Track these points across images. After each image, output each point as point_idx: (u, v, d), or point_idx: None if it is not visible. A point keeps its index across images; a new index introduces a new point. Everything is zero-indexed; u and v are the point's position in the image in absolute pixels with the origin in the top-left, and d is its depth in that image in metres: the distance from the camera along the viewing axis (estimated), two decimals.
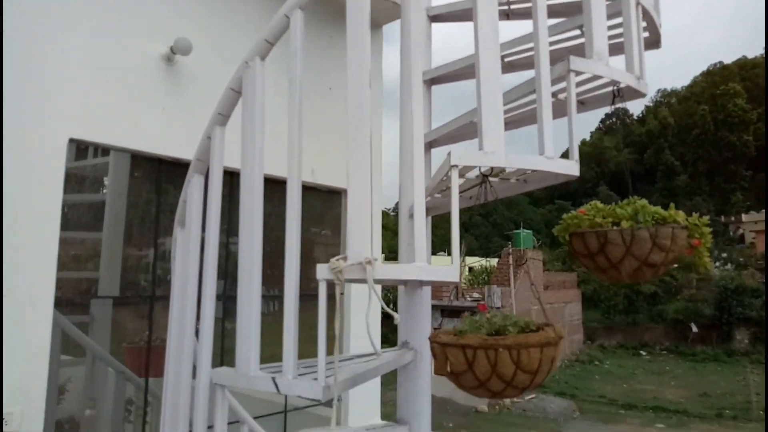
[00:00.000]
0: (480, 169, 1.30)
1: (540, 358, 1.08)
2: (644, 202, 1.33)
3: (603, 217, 1.30)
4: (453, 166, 1.20)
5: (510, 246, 24.91)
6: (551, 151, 1.26)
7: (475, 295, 23.95)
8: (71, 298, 2.96)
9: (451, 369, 1.13)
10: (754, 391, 19.26)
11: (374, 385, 3.36)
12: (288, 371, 1.26)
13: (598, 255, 1.29)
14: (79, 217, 3.54)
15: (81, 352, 3.20)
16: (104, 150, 3.54)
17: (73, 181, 3.31)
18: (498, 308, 21.63)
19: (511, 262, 23.08)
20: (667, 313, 27.80)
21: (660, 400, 19.47)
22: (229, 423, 2.07)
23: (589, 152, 51.48)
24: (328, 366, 1.28)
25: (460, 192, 1.66)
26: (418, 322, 1.98)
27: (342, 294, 1.24)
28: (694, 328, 26.40)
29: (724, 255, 33.83)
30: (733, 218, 46.17)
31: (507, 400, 20.34)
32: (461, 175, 1.42)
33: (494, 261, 28.00)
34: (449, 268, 1.20)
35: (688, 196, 44.96)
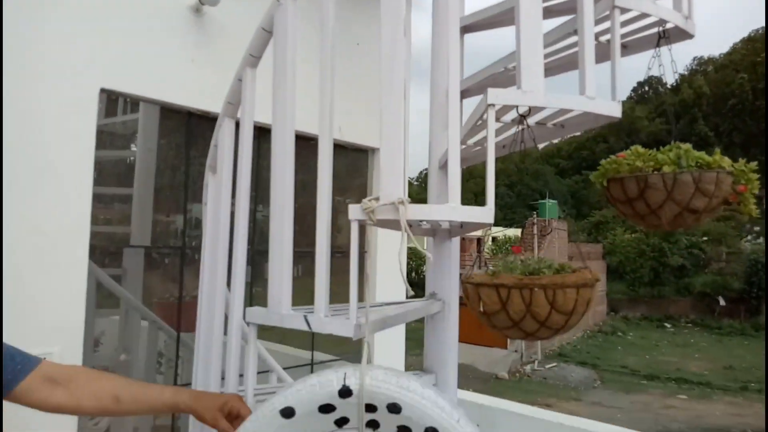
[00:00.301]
0: (517, 110, 1.26)
1: (576, 298, 1.07)
2: (688, 146, 1.28)
3: (643, 161, 1.26)
4: (489, 105, 1.17)
5: (535, 216, 24.69)
6: (593, 91, 1.21)
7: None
8: (104, 248, 3.03)
9: (484, 309, 1.12)
10: None
11: (399, 344, 3.40)
12: (320, 310, 1.27)
13: (637, 200, 1.26)
14: (110, 172, 3.60)
15: (114, 303, 3.30)
16: (133, 106, 3.57)
17: (103, 137, 3.35)
18: None
19: (535, 231, 22.94)
20: (694, 286, 27.38)
21: (683, 372, 19.39)
22: (259, 372, 2.12)
23: (619, 123, 50.12)
24: (358, 308, 1.29)
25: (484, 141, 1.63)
26: (446, 275, 1.97)
27: (371, 225, 1.23)
28: (722, 302, 25.98)
29: (756, 229, 32.92)
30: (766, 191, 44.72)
31: (528, 368, 20.51)
32: (497, 119, 1.39)
33: (518, 232, 27.81)
34: (484, 209, 1.18)
35: None
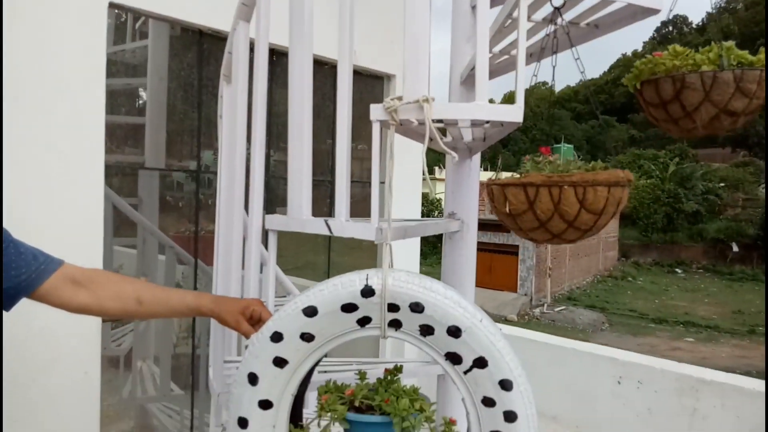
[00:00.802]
0: (551, 2, 1.18)
1: (606, 197, 1.03)
2: (731, 43, 1.20)
3: (681, 61, 1.18)
4: None
5: None
6: None
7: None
8: (119, 173, 3.02)
9: (510, 209, 1.09)
10: None
11: (414, 266, 3.42)
12: (341, 213, 1.25)
13: (671, 103, 1.19)
14: (122, 102, 3.55)
15: (131, 231, 3.32)
16: (142, 35, 3.48)
17: (114, 66, 3.29)
18: None
19: None
20: (707, 232, 27.22)
21: (691, 316, 19.60)
22: (276, 297, 2.14)
23: (640, 65, 48.18)
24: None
25: (512, 48, 1.55)
26: (465, 194, 1.94)
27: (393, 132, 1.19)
28: (735, 248, 25.86)
29: None
30: None
31: (536, 311, 20.84)
32: (528, 18, 1.31)
33: None
34: (512, 107, 1.13)
35: None
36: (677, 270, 26.92)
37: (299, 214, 1.29)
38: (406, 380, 1.25)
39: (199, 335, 3.28)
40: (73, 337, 2.18)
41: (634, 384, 2.49)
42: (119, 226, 3.29)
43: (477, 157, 1.91)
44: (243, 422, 1.14)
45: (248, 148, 1.53)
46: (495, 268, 21.69)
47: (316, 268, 3.93)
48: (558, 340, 2.82)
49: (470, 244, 1.94)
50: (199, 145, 2.77)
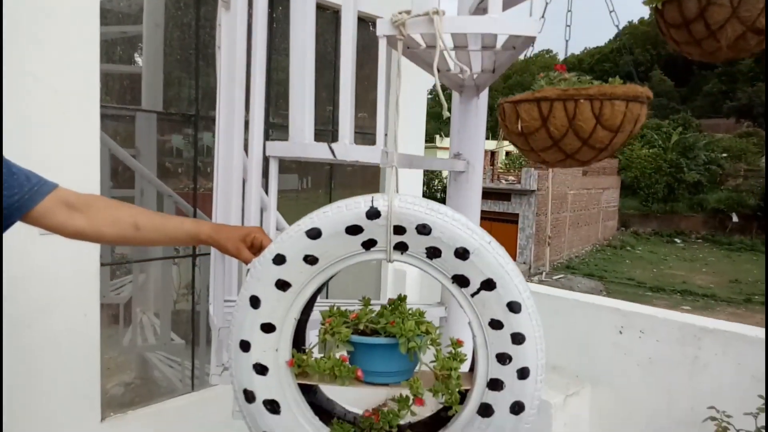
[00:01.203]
0: None
1: (624, 113, 0.98)
2: None
3: None
4: None
5: None
6: None
7: (510, 178, 23.77)
8: (116, 119, 2.95)
9: (522, 127, 1.04)
10: None
11: None
12: (345, 136, 1.20)
13: (695, 22, 1.13)
14: (116, 50, 3.46)
15: (129, 182, 3.27)
16: None
17: (108, 15, 3.17)
18: (533, 191, 21.50)
19: None
20: (708, 202, 27.19)
21: (689, 285, 19.73)
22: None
23: (645, 32, 47.37)
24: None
25: None
26: (472, 135, 1.89)
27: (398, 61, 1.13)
28: (735, 218, 25.87)
29: None
30: None
31: (535, 279, 20.96)
32: None
33: None
34: (529, 20, 1.07)
35: (749, 81, 41.74)
36: (676, 240, 26.99)
37: (301, 138, 1.24)
38: None
39: (199, 291, 3.27)
40: (71, 279, 2.16)
41: (636, 334, 2.48)
42: (118, 175, 3.24)
43: (484, 96, 1.86)
44: (245, 345, 1.12)
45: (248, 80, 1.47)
46: (494, 236, 21.52)
47: None
48: (560, 292, 2.81)
49: (475, 186, 1.90)
50: (197, 88, 2.69)
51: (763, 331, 2.22)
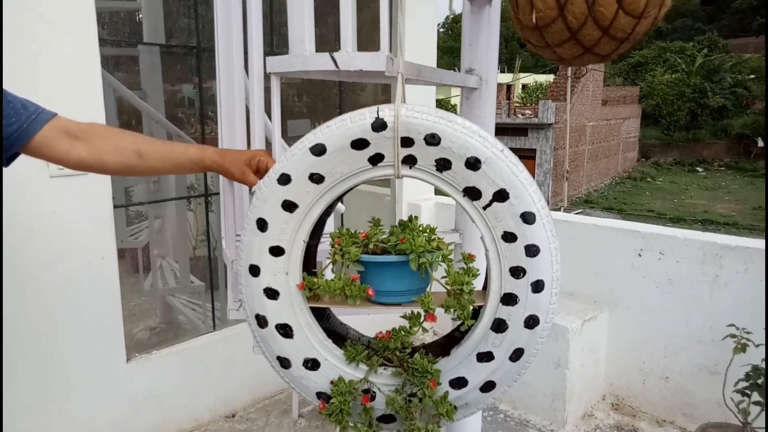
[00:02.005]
0: None
1: None
2: None
3: None
4: None
5: None
6: None
7: (527, 112, 23.18)
8: (117, 55, 2.88)
9: (537, 19, 0.96)
10: None
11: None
12: (347, 43, 1.13)
13: None
14: None
15: (135, 122, 3.22)
16: None
17: None
18: (551, 124, 21.01)
19: (569, 74, 21.75)
20: (732, 128, 26.34)
21: (710, 214, 19.48)
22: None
23: None
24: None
25: None
26: (485, 49, 1.78)
27: None
28: (760, 143, 25.09)
29: None
30: None
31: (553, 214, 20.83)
32: None
33: (550, 78, 26.43)
34: None
35: None
36: (698, 168, 26.41)
37: (301, 50, 1.17)
38: None
39: (215, 234, 3.29)
40: (86, 222, 2.16)
41: (656, 255, 2.43)
42: (125, 117, 3.19)
43: (497, 4, 1.74)
44: (254, 270, 1.10)
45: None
46: None
47: None
48: (577, 218, 2.76)
49: (489, 104, 1.82)
50: (197, 17, 2.58)
51: None
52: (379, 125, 1.02)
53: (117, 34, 2.86)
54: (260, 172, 1.23)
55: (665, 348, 2.49)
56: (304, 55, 1.17)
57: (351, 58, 1.11)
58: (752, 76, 28.27)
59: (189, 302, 3.51)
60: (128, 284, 3.80)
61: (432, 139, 1.01)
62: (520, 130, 21.63)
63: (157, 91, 3.02)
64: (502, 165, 1.01)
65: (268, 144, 1.57)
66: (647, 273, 2.47)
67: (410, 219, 1.23)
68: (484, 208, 1.04)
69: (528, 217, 1.02)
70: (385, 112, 1.03)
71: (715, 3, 44.33)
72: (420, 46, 3.31)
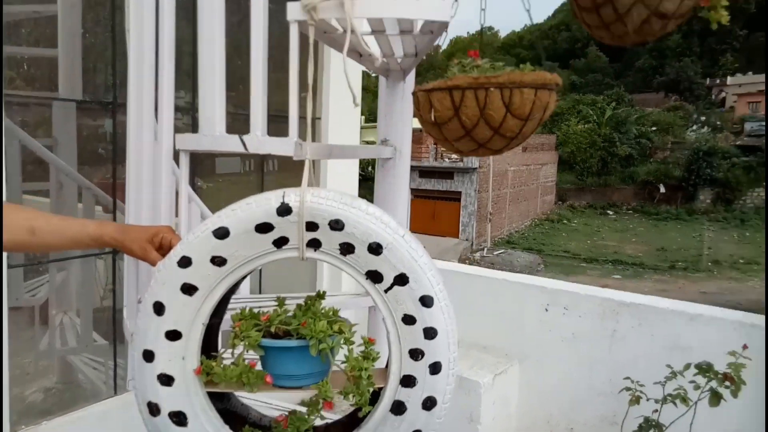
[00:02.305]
0: None
1: (533, 101, 0.98)
2: None
3: None
4: None
5: None
6: None
7: (453, 157, 24.08)
8: (29, 109, 2.73)
9: (436, 117, 1.03)
10: (706, 246, 20.64)
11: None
12: (257, 127, 1.15)
13: (604, 6, 1.15)
14: (30, 31, 3.19)
15: (44, 175, 3.05)
16: None
17: None
18: (475, 168, 21.90)
19: None
20: (638, 175, 28.61)
21: (620, 255, 20.82)
22: None
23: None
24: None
25: None
26: (399, 121, 1.86)
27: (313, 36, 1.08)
28: (662, 189, 27.39)
29: (702, 119, 34.01)
30: (718, 81, 45.67)
31: (477, 255, 21.50)
32: None
33: None
34: (444, 3, 1.04)
35: (677, 56, 43.89)
36: (609, 212, 28.32)
37: (211, 130, 1.18)
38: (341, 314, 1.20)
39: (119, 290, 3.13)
40: None
41: (561, 310, 2.58)
42: (30, 169, 3.01)
43: (411, 79, 1.83)
44: (149, 355, 1.06)
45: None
46: (438, 214, 22.07)
47: None
48: (489, 272, 2.88)
49: (403, 172, 1.89)
50: (114, 74, 2.52)
51: (672, 301, 2.36)
52: (284, 210, 1.04)
53: (32, 84, 2.73)
54: (164, 249, 1.20)
55: (571, 400, 2.61)
56: (214, 135, 1.18)
57: (260, 142, 1.13)
58: (654, 129, 31.04)
59: (91, 360, 3.27)
60: (24, 339, 3.50)
61: (336, 225, 1.04)
62: (446, 174, 22.35)
63: (71, 141, 2.89)
64: (403, 250, 1.05)
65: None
66: (553, 327, 2.60)
67: (318, 294, 1.24)
68: (386, 291, 1.07)
69: (427, 301, 1.06)
70: (291, 197, 1.05)
71: (622, 60, 48.70)
72: (341, 98, 3.40)
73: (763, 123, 30.99)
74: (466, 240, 22.37)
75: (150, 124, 1.36)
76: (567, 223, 26.72)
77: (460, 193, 22.23)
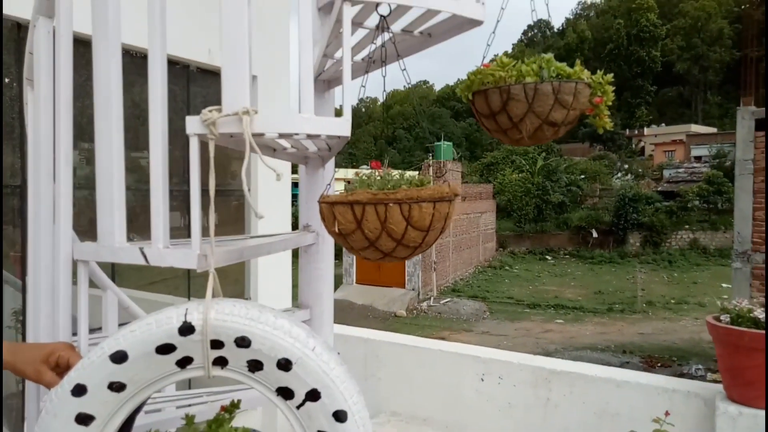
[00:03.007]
0: (377, 9, 1.13)
1: (432, 213, 1.01)
2: (550, 56, 1.25)
3: (507, 72, 1.21)
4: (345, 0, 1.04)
5: (430, 158, 25.27)
6: None
7: None
8: None
9: (340, 229, 1.03)
10: (639, 287, 21.56)
11: (285, 278, 3.30)
12: (158, 240, 1.11)
13: (500, 114, 1.21)
14: None
15: None
16: None
17: None
18: None
19: (431, 173, 23.52)
20: (571, 221, 29.93)
21: (560, 299, 21.39)
22: (121, 324, 1.93)
23: (471, 76, 51.75)
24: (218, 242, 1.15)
25: (354, 55, 1.50)
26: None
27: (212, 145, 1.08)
28: (595, 234, 28.71)
29: (626, 166, 36.38)
30: (636, 132, 49.29)
31: (424, 304, 21.52)
32: (359, 24, 1.26)
33: (416, 174, 28.34)
34: (340, 121, 1.07)
35: None
36: (547, 257, 29.27)
37: (111, 242, 1.13)
38: (256, 410, 1.14)
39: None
40: None
41: (496, 380, 2.58)
42: None
43: (331, 165, 1.85)
44: None
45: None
46: (384, 265, 22.05)
47: (182, 279, 3.64)
48: (425, 342, 2.86)
49: (327, 257, 1.87)
50: (22, 156, 2.41)
51: (601, 368, 2.42)
52: (186, 329, 0.99)
53: None
54: (61, 368, 1.11)
55: None
56: (113, 246, 1.13)
57: (161, 255, 1.09)
58: (582, 176, 32.84)
59: None
60: None
61: (242, 342, 1.00)
62: None
63: None
64: (314, 365, 1.02)
65: None
66: (490, 397, 2.60)
67: (233, 405, 1.18)
68: (297, 407, 1.03)
69: (340, 415, 1.03)
70: (194, 315, 1.01)
71: None
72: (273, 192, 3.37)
73: (680, 170, 33.50)
74: (413, 290, 22.38)
75: (48, 229, 1.29)
76: (509, 269, 27.35)
77: None
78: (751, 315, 1.99)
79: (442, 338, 17.06)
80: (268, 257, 3.28)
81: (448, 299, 22.00)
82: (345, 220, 1.01)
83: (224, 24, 1.04)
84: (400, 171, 1.14)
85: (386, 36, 1.26)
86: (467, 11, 1.11)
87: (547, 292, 22.69)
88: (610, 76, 1.28)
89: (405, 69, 1.19)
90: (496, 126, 1.24)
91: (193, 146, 1.08)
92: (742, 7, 46.88)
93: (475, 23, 1.16)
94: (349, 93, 1.05)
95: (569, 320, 18.83)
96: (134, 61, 2.63)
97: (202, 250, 1.09)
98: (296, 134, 1.09)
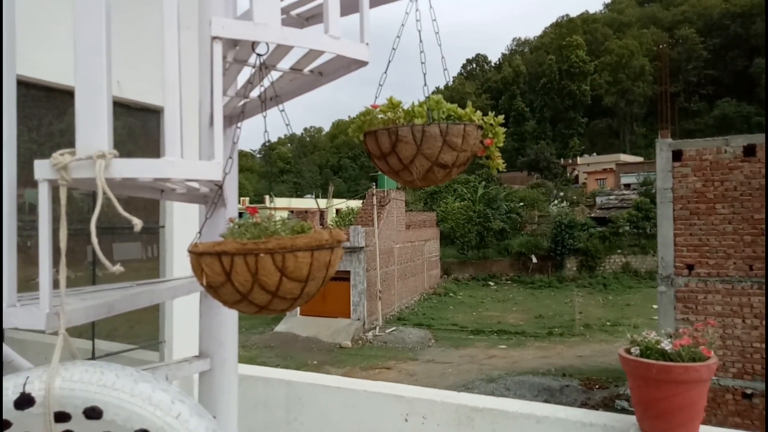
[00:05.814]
0: (254, 48, 1.08)
1: (310, 263, 0.94)
2: (439, 97, 1.23)
3: (396, 113, 1.18)
4: (214, 38, 0.97)
5: (374, 187, 25.42)
6: (338, 30, 1.07)
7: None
8: None
9: (208, 281, 0.94)
10: (577, 311, 22.24)
11: (193, 324, 3.12)
12: (5, 298, 0.98)
13: (390, 155, 1.17)
14: None
15: None
16: None
17: None
18: (362, 247, 22.17)
19: (375, 203, 23.62)
20: (512, 247, 30.71)
21: (503, 324, 21.73)
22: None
23: (450, 97, 53.47)
24: (76, 293, 1.03)
25: (248, 92, 1.44)
26: None
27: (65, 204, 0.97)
28: (534, 260, 29.54)
29: (561, 194, 37.92)
30: (570, 161, 51.65)
31: (369, 334, 21.29)
32: (241, 61, 1.20)
33: (360, 203, 28.45)
34: (210, 164, 0.99)
35: (535, 139, 49.28)
36: (490, 283, 29.79)
37: None
38: None
39: None
40: None
41: (420, 420, 2.51)
42: None
43: (234, 206, 1.76)
44: None
45: None
46: (328, 295, 21.77)
47: (152, 322, 3.34)
48: (350, 383, 2.76)
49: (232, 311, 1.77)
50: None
51: (521, 404, 2.40)
52: (24, 402, 0.87)
53: None
54: None
55: None
56: None
57: (6, 315, 0.97)
58: (521, 204, 33.94)
59: None
60: None
61: (92, 413, 0.89)
62: None
63: None
64: None
65: None
66: None
67: None
68: None
69: None
70: (35, 384, 0.89)
71: None
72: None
73: (611, 197, 35.23)
74: (358, 319, 22.15)
75: None
76: (453, 296, 27.60)
77: (349, 272, 22.23)
78: (658, 347, 2.02)
79: (388, 368, 16.88)
80: (182, 298, 3.11)
81: (394, 328, 21.90)
82: (213, 272, 0.92)
83: (77, 61, 0.95)
84: (282, 217, 1.07)
85: (274, 75, 1.20)
86: (350, 52, 1.08)
87: (490, 317, 23.01)
88: (500, 118, 1.27)
89: (283, 110, 1.13)
90: (388, 167, 1.20)
91: (42, 192, 0.97)
92: (660, 46, 50.67)
93: (361, 63, 1.12)
94: (220, 134, 0.98)
95: (512, 345, 19.11)
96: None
97: (52, 309, 0.98)
98: (166, 179, 1.00)
